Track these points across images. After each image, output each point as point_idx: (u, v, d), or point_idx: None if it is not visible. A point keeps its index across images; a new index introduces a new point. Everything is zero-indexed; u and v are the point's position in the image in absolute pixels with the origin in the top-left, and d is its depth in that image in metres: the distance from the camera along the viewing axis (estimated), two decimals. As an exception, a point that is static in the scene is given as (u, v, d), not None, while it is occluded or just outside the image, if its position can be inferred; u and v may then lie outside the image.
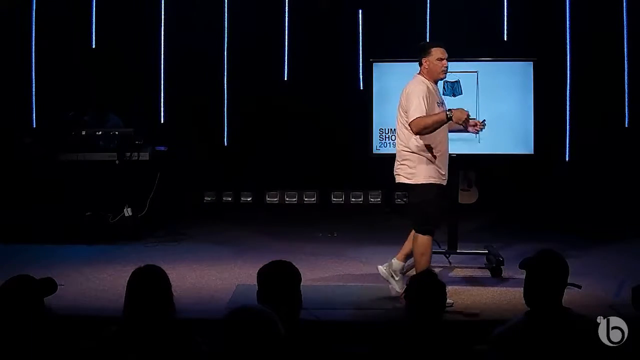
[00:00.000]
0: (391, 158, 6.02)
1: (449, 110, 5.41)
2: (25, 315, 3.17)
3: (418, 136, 5.43)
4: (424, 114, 5.35)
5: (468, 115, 5.42)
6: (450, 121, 5.39)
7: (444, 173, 5.53)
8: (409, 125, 5.40)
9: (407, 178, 5.52)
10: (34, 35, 9.72)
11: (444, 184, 5.57)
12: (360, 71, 9.83)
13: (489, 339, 3.35)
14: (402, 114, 5.53)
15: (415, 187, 5.49)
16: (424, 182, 5.45)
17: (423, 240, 5.48)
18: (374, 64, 6.64)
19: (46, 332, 3.21)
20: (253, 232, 8.30)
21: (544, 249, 3.54)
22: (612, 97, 9.63)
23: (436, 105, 5.50)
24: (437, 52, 5.54)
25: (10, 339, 3.13)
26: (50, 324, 3.26)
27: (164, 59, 9.90)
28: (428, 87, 5.49)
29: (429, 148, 5.46)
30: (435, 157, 5.47)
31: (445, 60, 5.54)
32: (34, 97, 9.75)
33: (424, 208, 5.46)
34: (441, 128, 5.45)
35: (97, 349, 3.25)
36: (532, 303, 3.36)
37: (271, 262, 3.45)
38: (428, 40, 9.13)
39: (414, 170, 5.48)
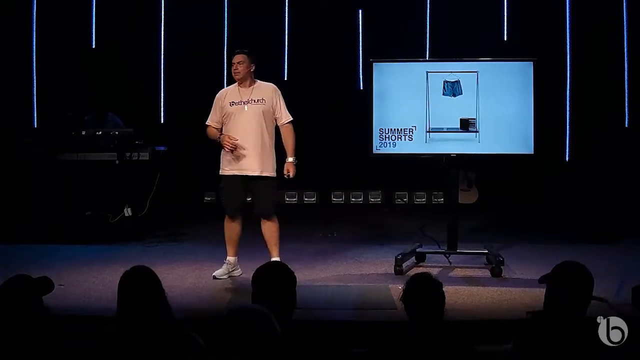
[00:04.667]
0: (391, 158, 6.03)
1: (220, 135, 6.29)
2: (23, 314, 3.18)
3: None
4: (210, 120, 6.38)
5: (232, 142, 6.17)
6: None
7: (237, 164, 6.22)
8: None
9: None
10: (34, 35, 9.73)
11: (238, 174, 6.21)
12: (360, 71, 9.84)
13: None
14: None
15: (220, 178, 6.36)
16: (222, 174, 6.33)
17: (225, 218, 6.35)
18: (374, 64, 6.64)
19: (46, 332, 3.22)
20: (253, 232, 8.27)
21: (566, 260, 3.52)
22: (612, 97, 9.63)
23: (228, 104, 6.25)
24: (233, 59, 6.32)
25: (8, 339, 3.14)
26: (49, 323, 3.26)
27: (164, 59, 9.90)
28: (229, 89, 6.36)
29: None
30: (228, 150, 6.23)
31: (235, 64, 6.27)
32: (34, 97, 9.76)
33: (221, 195, 6.44)
34: (233, 124, 6.23)
35: (96, 349, 3.25)
36: (554, 316, 3.34)
37: (265, 264, 3.48)
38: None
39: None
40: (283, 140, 6.36)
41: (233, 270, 6.31)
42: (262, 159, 6.20)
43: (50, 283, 3.37)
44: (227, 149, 6.19)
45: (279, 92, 6.38)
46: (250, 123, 6.21)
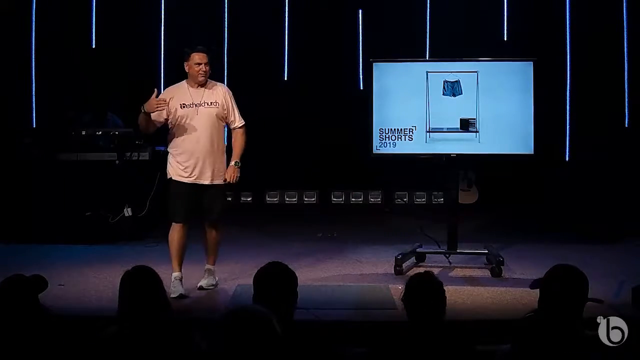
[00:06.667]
0: (391, 158, 6.03)
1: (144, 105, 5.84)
2: (19, 314, 3.18)
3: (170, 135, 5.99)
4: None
5: (158, 101, 5.80)
6: (151, 113, 5.83)
7: (187, 171, 5.90)
8: None
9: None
10: (33, 35, 9.72)
11: (188, 181, 5.90)
12: (360, 71, 9.83)
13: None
14: None
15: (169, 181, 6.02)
16: (170, 178, 5.97)
17: (172, 227, 5.94)
18: (374, 64, 6.64)
19: (45, 331, 3.22)
20: (253, 232, 8.30)
21: (558, 264, 3.50)
22: (612, 97, 9.63)
23: (178, 106, 5.88)
24: (195, 57, 5.88)
25: (6, 339, 3.14)
26: (48, 323, 3.27)
27: (164, 59, 9.90)
28: (178, 88, 5.98)
29: (172, 146, 5.96)
30: (176, 155, 5.91)
31: (202, 65, 5.87)
32: (34, 97, 9.75)
33: (169, 200, 6.00)
34: (184, 129, 5.87)
35: (96, 349, 3.25)
36: (551, 319, 3.34)
37: (267, 264, 3.49)
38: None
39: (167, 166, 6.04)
40: (233, 143, 6.00)
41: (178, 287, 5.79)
42: (214, 166, 5.91)
43: (44, 281, 3.37)
44: (157, 109, 5.78)
45: (231, 93, 6.01)
46: (202, 128, 5.86)
